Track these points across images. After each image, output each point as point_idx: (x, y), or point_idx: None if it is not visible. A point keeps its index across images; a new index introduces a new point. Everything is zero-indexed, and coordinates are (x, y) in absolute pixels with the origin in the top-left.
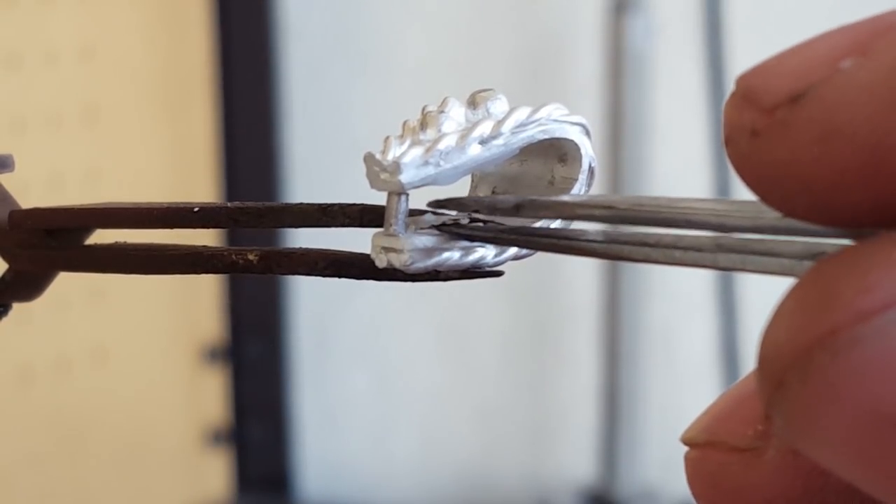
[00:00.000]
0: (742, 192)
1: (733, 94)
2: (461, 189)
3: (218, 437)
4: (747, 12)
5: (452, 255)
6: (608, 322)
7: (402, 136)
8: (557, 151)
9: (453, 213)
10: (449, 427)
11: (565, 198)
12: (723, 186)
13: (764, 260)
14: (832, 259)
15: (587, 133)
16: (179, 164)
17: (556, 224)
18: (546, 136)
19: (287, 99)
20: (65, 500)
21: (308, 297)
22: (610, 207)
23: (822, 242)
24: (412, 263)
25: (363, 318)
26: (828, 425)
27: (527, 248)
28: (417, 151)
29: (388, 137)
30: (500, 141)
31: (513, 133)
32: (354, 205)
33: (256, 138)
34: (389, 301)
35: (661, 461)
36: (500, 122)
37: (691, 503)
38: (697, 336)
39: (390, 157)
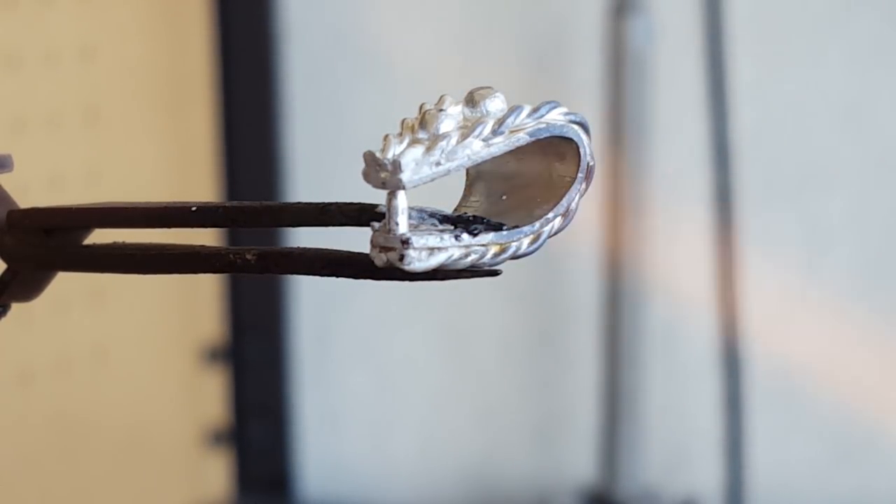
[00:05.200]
0: (744, 193)
1: None
2: (457, 186)
3: (218, 438)
4: (748, 13)
5: (452, 255)
6: (608, 322)
7: (400, 135)
8: (556, 149)
9: (450, 212)
10: (449, 427)
11: None
12: (723, 187)
13: None
14: None
15: (587, 131)
16: (179, 164)
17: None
18: (546, 134)
19: (287, 99)
20: (65, 500)
21: (308, 297)
22: None
23: None
24: (411, 262)
25: (363, 318)
26: None
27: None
28: (417, 150)
29: (387, 136)
30: (500, 139)
31: (513, 131)
32: (352, 204)
33: (256, 138)
34: (390, 301)
35: (662, 461)
36: (500, 121)
37: (692, 503)
38: (697, 336)
39: (390, 155)
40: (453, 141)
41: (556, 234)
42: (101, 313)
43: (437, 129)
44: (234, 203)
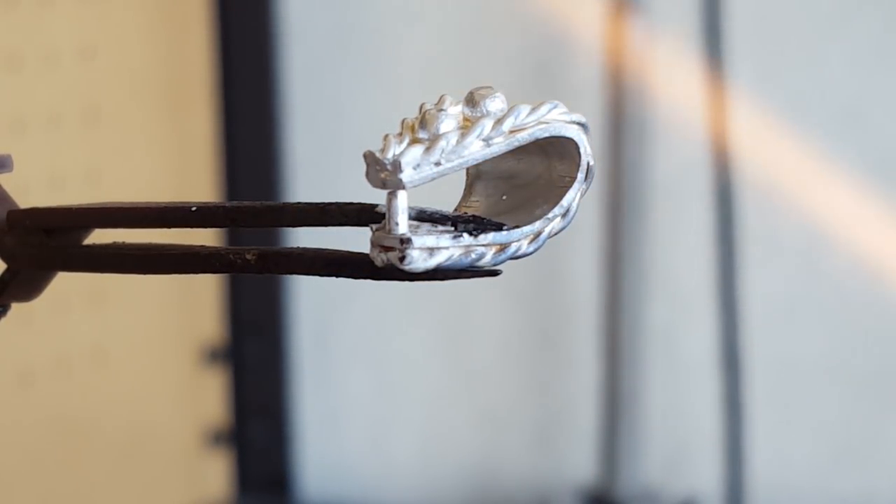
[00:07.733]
0: (743, 194)
1: None
2: (457, 186)
3: (218, 438)
4: (748, 14)
5: (452, 255)
6: (608, 322)
7: (401, 135)
8: (556, 149)
9: (450, 212)
10: (449, 427)
11: None
12: (723, 186)
13: None
14: None
15: (586, 131)
16: (179, 164)
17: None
18: (546, 134)
19: (287, 99)
20: (65, 500)
21: (308, 297)
22: None
23: None
24: (411, 262)
25: (363, 318)
26: None
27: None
28: (417, 150)
29: (387, 136)
30: (500, 139)
31: (513, 131)
32: (352, 204)
33: (256, 138)
34: (389, 301)
35: (662, 461)
36: (500, 120)
37: (692, 503)
38: (697, 336)
39: (390, 155)
40: (453, 141)
41: (556, 234)
42: (101, 313)
43: (438, 129)
44: (234, 203)
